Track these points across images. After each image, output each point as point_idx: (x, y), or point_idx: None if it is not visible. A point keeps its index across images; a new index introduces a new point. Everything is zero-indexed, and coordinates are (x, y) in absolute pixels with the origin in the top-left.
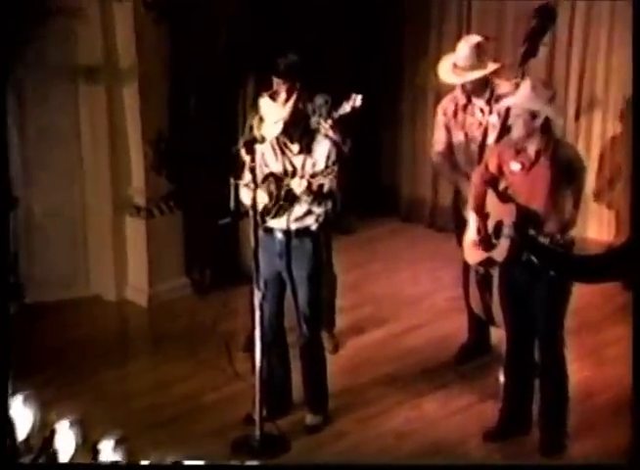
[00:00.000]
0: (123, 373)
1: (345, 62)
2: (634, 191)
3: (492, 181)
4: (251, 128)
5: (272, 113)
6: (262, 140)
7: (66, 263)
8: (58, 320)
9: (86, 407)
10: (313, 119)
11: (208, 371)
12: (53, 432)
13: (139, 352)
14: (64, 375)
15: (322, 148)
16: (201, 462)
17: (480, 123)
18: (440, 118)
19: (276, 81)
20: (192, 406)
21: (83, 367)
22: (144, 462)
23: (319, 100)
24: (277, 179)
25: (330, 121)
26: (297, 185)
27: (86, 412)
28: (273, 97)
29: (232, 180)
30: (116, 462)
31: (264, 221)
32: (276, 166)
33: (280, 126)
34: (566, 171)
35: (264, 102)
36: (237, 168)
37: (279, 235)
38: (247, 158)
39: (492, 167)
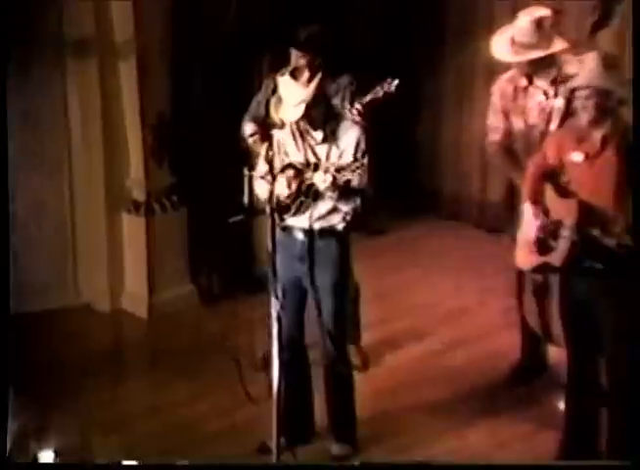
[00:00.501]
0: (117, 395)
1: (376, 33)
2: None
3: (551, 174)
4: (268, 110)
5: (293, 93)
6: (281, 125)
7: (51, 267)
8: (42, 334)
9: (73, 435)
10: (335, 102)
11: (216, 393)
12: (35, 462)
13: (135, 370)
14: (47, 397)
15: (350, 136)
16: None
17: (543, 108)
18: (497, 102)
19: (295, 56)
20: (197, 435)
21: (70, 388)
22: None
23: (344, 80)
24: (298, 171)
25: (358, 106)
26: (321, 180)
27: (72, 441)
28: (294, 75)
29: (245, 171)
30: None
31: (283, 219)
32: (296, 156)
33: (302, 110)
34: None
35: (284, 81)
36: (251, 158)
37: (300, 235)
38: (263, 145)
39: (551, 158)
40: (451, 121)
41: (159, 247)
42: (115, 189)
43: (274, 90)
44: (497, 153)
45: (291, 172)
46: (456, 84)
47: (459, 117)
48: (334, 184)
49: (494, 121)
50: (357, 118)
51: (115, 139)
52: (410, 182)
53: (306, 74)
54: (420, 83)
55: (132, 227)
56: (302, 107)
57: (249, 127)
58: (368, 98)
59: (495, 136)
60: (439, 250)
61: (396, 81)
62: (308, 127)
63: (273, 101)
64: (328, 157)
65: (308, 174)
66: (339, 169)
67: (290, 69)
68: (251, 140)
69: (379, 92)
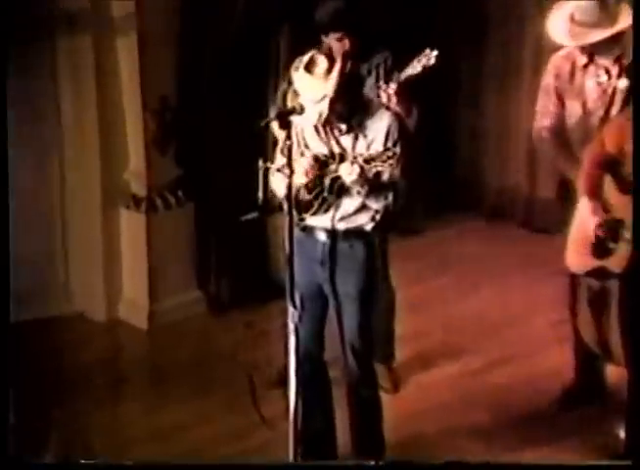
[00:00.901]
0: (114, 417)
1: (406, 9)
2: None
3: (611, 164)
4: (285, 96)
5: (311, 89)
6: (301, 111)
7: (40, 271)
8: (30, 346)
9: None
10: (368, 83)
11: (227, 415)
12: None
13: (134, 389)
14: (36, 417)
15: (380, 124)
16: None
17: (605, 90)
18: (550, 82)
19: (322, 40)
20: (205, 461)
21: (62, 408)
22: None
23: (377, 58)
24: (320, 164)
25: (393, 86)
26: (347, 172)
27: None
28: (309, 68)
29: (260, 163)
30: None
31: (303, 218)
32: (319, 147)
33: (324, 107)
34: None
35: (299, 76)
36: (267, 148)
37: (322, 236)
38: (280, 134)
39: (611, 146)
40: (495, 106)
41: (161, 248)
42: (113, 182)
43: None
44: (548, 140)
45: (311, 163)
46: (500, 64)
47: (504, 101)
48: (362, 177)
49: (546, 104)
50: (392, 101)
51: (113, 125)
52: (448, 176)
53: (324, 65)
54: (459, 64)
55: (131, 225)
56: (325, 104)
57: (270, 113)
58: (405, 74)
59: (545, 121)
60: (481, 252)
61: (435, 52)
62: (332, 117)
63: (290, 91)
64: (354, 147)
65: (332, 167)
66: (368, 160)
67: (304, 60)
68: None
69: (416, 66)
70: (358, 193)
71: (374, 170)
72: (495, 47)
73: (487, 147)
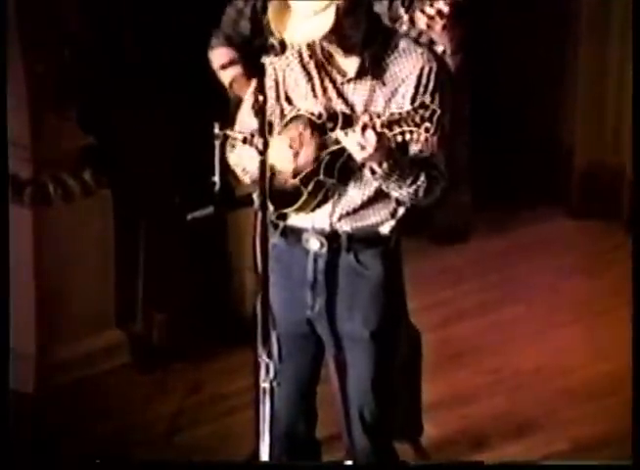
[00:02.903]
0: None
1: None
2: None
3: None
4: (258, 23)
5: None
6: (281, 50)
7: None
8: None
9: None
10: (379, 8)
11: None
12: None
13: None
14: None
15: (407, 65)
16: None
17: None
18: None
19: None
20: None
21: None
22: None
23: None
24: (312, 129)
25: (441, 5)
26: (357, 142)
27: None
28: None
29: (216, 129)
30: None
31: (283, 215)
32: (309, 104)
33: (328, 20)
34: None
35: None
36: (225, 105)
37: (313, 244)
38: (247, 85)
39: None
40: (591, 57)
41: (57, 261)
42: None
43: None
44: None
45: (299, 129)
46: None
47: (602, 47)
48: (380, 149)
49: None
50: (437, 27)
51: None
52: (513, 154)
53: None
54: None
55: (10, 225)
56: (330, 15)
57: (220, 53)
58: None
59: None
60: (560, 270)
61: None
62: (334, 52)
63: (271, 7)
64: (368, 103)
65: (332, 134)
66: (390, 123)
67: None
68: (224, 75)
69: None
70: (373, 174)
71: (399, 138)
72: None
73: (581, 115)
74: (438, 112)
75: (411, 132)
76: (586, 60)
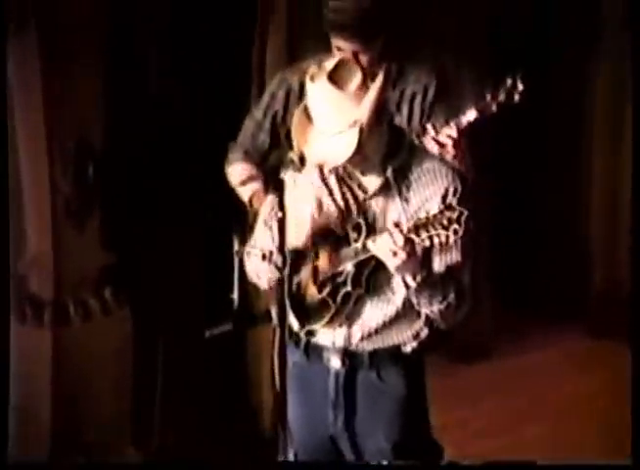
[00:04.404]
0: None
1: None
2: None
3: None
4: (276, 137)
5: (334, 111)
6: (301, 164)
7: None
8: None
9: None
10: (398, 120)
11: None
12: None
13: None
14: None
15: (431, 187)
16: None
17: None
18: None
19: (337, 45)
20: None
21: None
22: None
23: (413, 82)
24: (334, 242)
25: (450, 131)
26: (388, 248)
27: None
28: (334, 79)
29: (236, 246)
30: None
31: (311, 332)
32: (331, 217)
33: (352, 141)
34: None
35: (317, 88)
36: (246, 221)
37: (335, 362)
38: (266, 201)
39: None
40: (604, 169)
41: (75, 382)
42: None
43: (288, 96)
44: None
45: (322, 246)
46: (613, 100)
47: (613, 160)
48: (413, 258)
49: None
50: (449, 151)
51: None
52: (535, 270)
53: (358, 76)
54: (556, 99)
55: (29, 345)
56: (353, 137)
57: (239, 169)
58: (469, 116)
59: None
60: (582, 389)
61: (520, 86)
62: (356, 170)
63: (295, 118)
64: (387, 214)
65: (357, 244)
66: (417, 227)
67: (330, 64)
68: (243, 191)
69: (490, 105)
70: (407, 288)
71: (427, 243)
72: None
73: (594, 221)
74: (466, 213)
75: (439, 235)
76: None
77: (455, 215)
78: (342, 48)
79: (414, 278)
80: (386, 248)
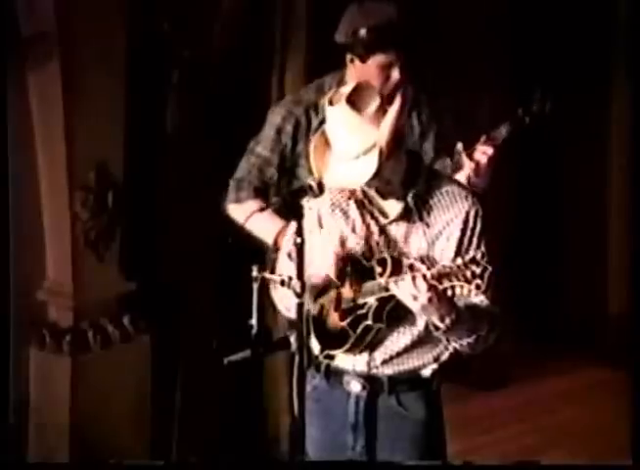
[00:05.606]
0: None
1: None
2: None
3: None
4: (283, 168)
5: (353, 135)
6: (319, 191)
7: None
8: None
9: None
10: (413, 146)
11: None
12: None
13: None
14: None
15: (451, 210)
16: None
17: None
18: None
19: (379, 62)
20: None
21: None
22: None
23: (428, 105)
24: (359, 272)
25: (487, 148)
26: (409, 290)
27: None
28: (353, 102)
29: (255, 272)
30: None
31: (330, 356)
32: (350, 243)
33: (372, 165)
34: None
35: (338, 111)
36: (263, 247)
37: (354, 386)
38: (290, 228)
39: None
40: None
41: (94, 407)
42: (20, 303)
43: (296, 129)
44: None
45: (347, 273)
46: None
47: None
48: (443, 302)
49: None
50: (482, 171)
51: (19, 213)
52: (552, 299)
53: (377, 99)
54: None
55: (47, 373)
56: (372, 160)
57: (250, 205)
58: (503, 131)
59: None
60: (601, 417)
61: (548, 105)
62: (376, 195)
63: (312, 144)
64: (411, 244)
65: (381, 279)
66: (440, 275)
67: (348, 88)
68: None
69: (522, 117)
70: (437, 330)
71: (449, 293)
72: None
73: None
74: (490, 269)
75: (462, 287)
76: None
77: (479, 271)
78: (381, 62)
79: (441, 320)
80: (407, 292)
